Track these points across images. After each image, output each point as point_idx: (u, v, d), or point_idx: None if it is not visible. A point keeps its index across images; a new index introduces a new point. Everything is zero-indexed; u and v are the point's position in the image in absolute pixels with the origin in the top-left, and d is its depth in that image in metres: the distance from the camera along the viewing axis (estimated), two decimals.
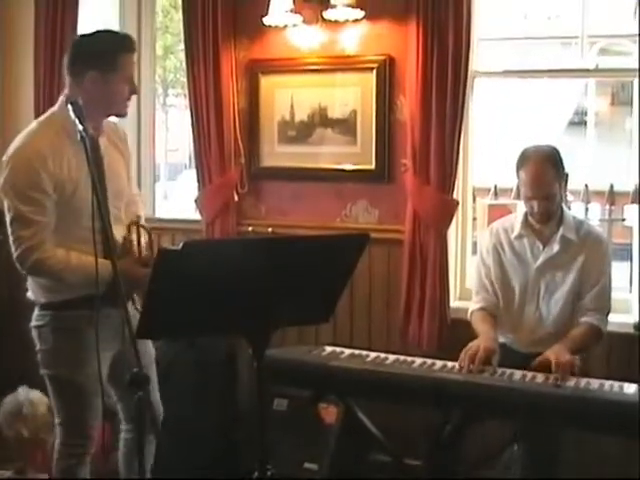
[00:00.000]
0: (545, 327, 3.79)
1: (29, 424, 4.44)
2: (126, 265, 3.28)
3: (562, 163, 3.78)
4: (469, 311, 3.93)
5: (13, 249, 3.25)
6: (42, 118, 3.43)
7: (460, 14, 4.37)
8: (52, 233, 3.25)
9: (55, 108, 3.39)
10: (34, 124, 3.39)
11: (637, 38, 4.34)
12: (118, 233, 3.39)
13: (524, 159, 3.78)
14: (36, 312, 3.45)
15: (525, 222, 3.84)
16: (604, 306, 3.74)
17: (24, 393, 4.53)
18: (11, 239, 3.25)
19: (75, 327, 3.32)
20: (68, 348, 3.35)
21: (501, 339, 3.83)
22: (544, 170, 3.70)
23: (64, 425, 3.48)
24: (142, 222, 3.55)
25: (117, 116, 3.52)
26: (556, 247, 3.76)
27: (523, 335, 3.83)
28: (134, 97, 4.95)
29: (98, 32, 3.49)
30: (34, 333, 3.45)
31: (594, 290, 3.71)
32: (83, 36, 3.51)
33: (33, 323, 3.46)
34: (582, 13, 4.58)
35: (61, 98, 3.37)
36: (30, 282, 3.46)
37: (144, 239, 3.46)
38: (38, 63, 5.42)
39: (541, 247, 3.80)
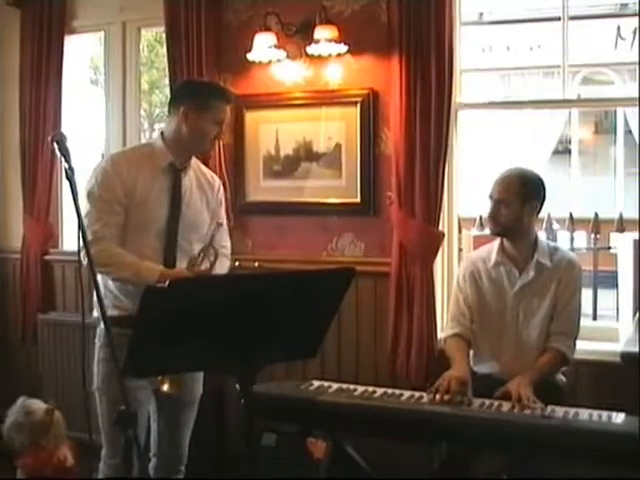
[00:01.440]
0: (525, 353, 3.81)
1: (28, 432, 4.41)
2: (176, 271, 3.51)
3: (537, 189, 3.82)
4: (443, 336, 3.96)
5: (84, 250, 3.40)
6: (136, 145, 3.85)
7: (442, 47, 4.41)
8: (119, 240, 3.53)
9: (151, 139, 3.80)
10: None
11: (623, 66, 4.35)
12: (181, 264, 3.59)
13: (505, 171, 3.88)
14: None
15: (501, 249, 3.89)
16: (572, 330, 3.78)
17: (21, 402, 4.49)
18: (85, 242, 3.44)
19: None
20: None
21: (484, 369, 3.86)
22: (513, 179, 3.78)
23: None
24: (215, 271, 3.65)
25: (201, 153, 3.82)
26: (531, 273, 3.81)
27: (504, 362, 3.85)
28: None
29: (202, 79, 4.18)
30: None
31: (563, 313, 3.77)
32: (188, 79, 4.28)
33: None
34: (563, 43, 4.60)
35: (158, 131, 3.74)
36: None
37: (210, 259, 3.60)
38: (23, 97, 5.48)
39: (517, 274, 3.84)
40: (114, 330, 3.31)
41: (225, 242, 3.84)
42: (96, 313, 3.55)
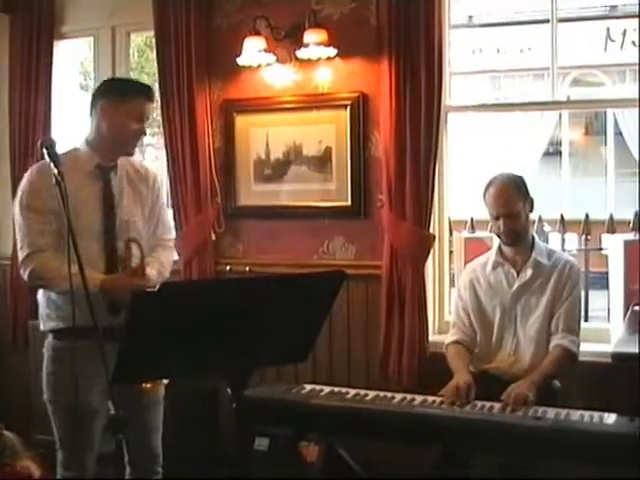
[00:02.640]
0: (524, 351, 3.84)
1: None
2: (114, 277, 3.42)
3: (526, 188, 3.89)
4: (445, 343, 3.98)
5: (20, 261, 3.44)
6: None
7: (431, 50, 4.42)
8: (57, 247, 3.35)
9: (76, 145, 3.61)
10: None
11: (612, 67, 4.36)
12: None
13: (489, 183, 3.90)
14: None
15: (499, 251, 3.95)
16: (573, 326, 3.81)
17: None
18: (19, 252, 3.46)
19: (71, 355, 3.25)
20: (64, 374, 3.37)
21: (482, 367, 3.90)
22: (508, 189, 3.83)
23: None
24: (165, 268, 3.62)
25: (127, 153, 3.62)
26: (529, 272, 3.86)
27: (502, 360, 3.88)
28: None
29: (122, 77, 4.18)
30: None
31: (563, 309, 3.80)
32: (108, 78, 4.21)
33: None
34: (552, 45, 4.62)
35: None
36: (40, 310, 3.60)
37: (137, 252, 3.49)
38: (13, 102, 5.47)
39: (515, 274, 3.89)
40: (64, 343, 3.36)
41: (166, 235, 3.79)
42: (42, 326, 3.59)
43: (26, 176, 3.53)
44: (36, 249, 3.39)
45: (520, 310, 3.87)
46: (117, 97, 3.49)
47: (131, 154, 3.61)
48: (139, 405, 3.50)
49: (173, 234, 3.85)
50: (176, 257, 4.97)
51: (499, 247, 3.96)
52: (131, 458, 3.57)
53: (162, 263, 3.63)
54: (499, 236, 3.90)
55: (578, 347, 3.79)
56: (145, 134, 3.60)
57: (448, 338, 4.00)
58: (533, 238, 3.93)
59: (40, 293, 3.58)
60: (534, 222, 6.81)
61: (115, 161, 3.58)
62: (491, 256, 3.97)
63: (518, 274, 3.88)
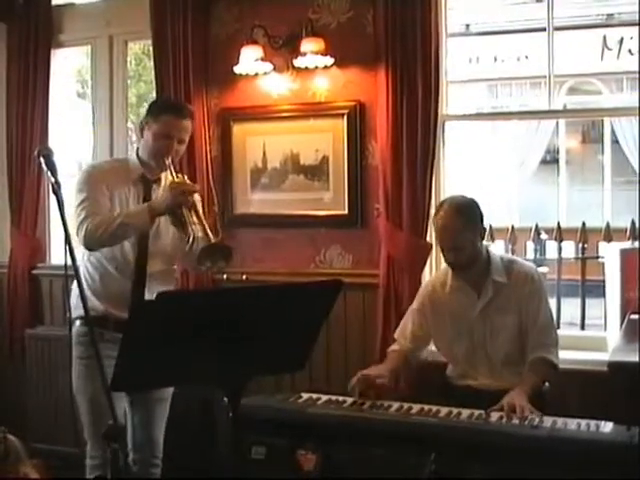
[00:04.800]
0: (498, 369, 3.83)
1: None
2: (159, 201, 3.65)
3: (476, 214, 3.80)
4: (387, 350, 4.06)
5: (78, 224, 3.64)
6: (109, 159, 4.07)
7: (428, 58, 4.43)
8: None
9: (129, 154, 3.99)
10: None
11: (609, 76, 4.37)
12: (153, 264, 3.81)
13: (438, 209, 3.86)
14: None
15: (455, 275, 3.88)
16: (549, 339, 3.77)
17: None
18: (77, 219, 3.66)
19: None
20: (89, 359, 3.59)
21: (463, 382, 3.92)
22: (452, 220, 3.73)
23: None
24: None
25: (160, 167, 3.76)
26: (490, 293, 3.80)
27: (480, 377, 3.87)
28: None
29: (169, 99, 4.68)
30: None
31: (536, 326, 3.76)
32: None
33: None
34: (549, 54, 4.63)
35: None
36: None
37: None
38: (10, 111, 5.49)
39: (476, 296, 3.83)
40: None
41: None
42: (71, 313, 3.79)
43: (86, 169, 3.88)
44: (93, 211, 3.64)
45: (488, 331, 3.82)
46: (150, 116, 3.78)
47: (163, 169, 3.73)
48: (150, 400, 3.86)
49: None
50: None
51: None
52: (134, 444, 3.93)
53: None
54: (446, 263, 3.87)
55: (557, 356, 3.76)
56: (172, 150, 3.73)
57: (391, 347, 4.04)
58: (489, 256, 3.83)
59: (75, 284, 3.68)
60: (530, 230, 6.84)
61: (158, 174, 3.78)
62: (448, 277, 3.90)
63: (479, 295, 3.82)
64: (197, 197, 3.79)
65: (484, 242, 3.87)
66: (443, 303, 3.91)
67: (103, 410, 3.38)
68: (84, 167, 4.07)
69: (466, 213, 3.76)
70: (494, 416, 3.32)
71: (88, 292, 3.66)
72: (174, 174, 3.68)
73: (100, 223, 3.58)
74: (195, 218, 3.59)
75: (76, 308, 3.72)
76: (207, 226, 3.57)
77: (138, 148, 3.88)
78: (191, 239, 3.55)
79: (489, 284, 3.79)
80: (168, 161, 3.70)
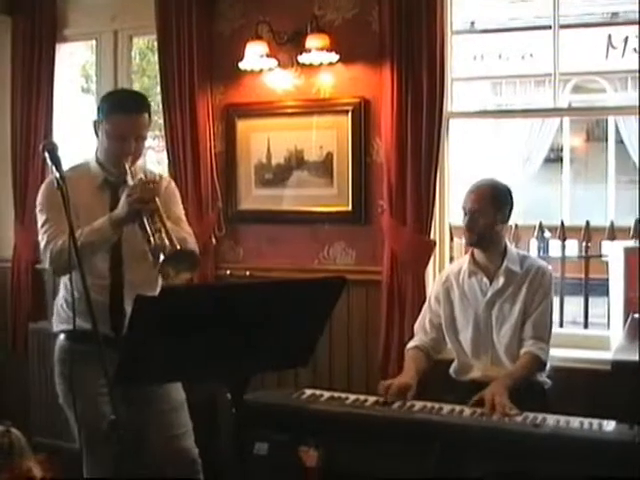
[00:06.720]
0: (501, 358, 3.86)
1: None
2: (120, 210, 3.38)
3: (507, 199, 3.91)
4: (406, 348, 4.04)
5: (42, 249, 3.50)
6: (72, 165, 3.65)
7: (433, 55, 4.43)
8: None
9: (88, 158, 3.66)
10: None
11: (614, 74, 4.37)
12: (129, 269, 3.59)
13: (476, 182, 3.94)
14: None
15: (472, 260, 3.95)
16: (543, 333, 3.81)
17: None
18: (40, 244, 3.51)
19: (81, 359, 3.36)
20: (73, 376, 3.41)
21: (466, 377, 3.95)
22: (484, 190, 3.86)
23: None
24: (187, 245, 3.46)
25: (120, 171, 3.50)
26: (501, 280, 3.87)
27: (483, 368, 3.89)
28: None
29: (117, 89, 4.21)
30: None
31: (533, 317, 3.81)
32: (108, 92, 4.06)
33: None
34: (554, 52, 4.62)
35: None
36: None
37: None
38: (15, 105, 5.48)
39: (488, 283, 3.89)
40: (76, 346, 3.37)
41: (183, 234, 3.56)
42: (55, 327, 3.68)
43: (45, 184, 3.58)
44: (58, 233, 3.37)
45: (494, 319, 3.87)
46: (102, 115, 3.51)
47: (123, 173, 3.46)
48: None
49: (189, 230, 3.71)
50: None
51: (472, 255, 3.96)
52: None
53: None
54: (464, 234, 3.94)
55: (547, 354, 3.80)
56: (129, 152, 3.46)
57: (410, 343, 4.04)
58: (506, 246, 3.92)
59: (60, 294, 3.66)
60: (534, 229, 6.85)
61: (122, 175, 3.48)
62: (464, 263, 3.98)
63: (491, 282, 3.89)
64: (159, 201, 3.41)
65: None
66: (455, 288, 3.97)
67: (92, 422, 3.41)
68: (46, 180, 3.68)
69: (499, 192, 3.90)
70: (469, 411, 3.35)
71: (66, 308, 3.58)
72: (134, 178, 3.40)
73: (62, 248, 3.27)
74: (159, 224, 3.27)
75: (60, 321, 3.64)
76: (171, 232, 3.27)
77: (97, 150, 3.61)
78: (154, 249, 3.23)
79: (502, 272, 3.86)
80: (127, 164, 3.42)
